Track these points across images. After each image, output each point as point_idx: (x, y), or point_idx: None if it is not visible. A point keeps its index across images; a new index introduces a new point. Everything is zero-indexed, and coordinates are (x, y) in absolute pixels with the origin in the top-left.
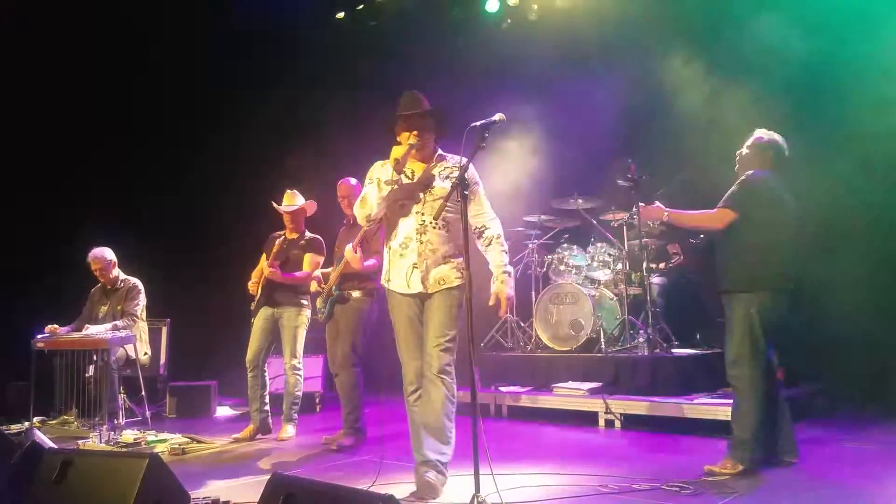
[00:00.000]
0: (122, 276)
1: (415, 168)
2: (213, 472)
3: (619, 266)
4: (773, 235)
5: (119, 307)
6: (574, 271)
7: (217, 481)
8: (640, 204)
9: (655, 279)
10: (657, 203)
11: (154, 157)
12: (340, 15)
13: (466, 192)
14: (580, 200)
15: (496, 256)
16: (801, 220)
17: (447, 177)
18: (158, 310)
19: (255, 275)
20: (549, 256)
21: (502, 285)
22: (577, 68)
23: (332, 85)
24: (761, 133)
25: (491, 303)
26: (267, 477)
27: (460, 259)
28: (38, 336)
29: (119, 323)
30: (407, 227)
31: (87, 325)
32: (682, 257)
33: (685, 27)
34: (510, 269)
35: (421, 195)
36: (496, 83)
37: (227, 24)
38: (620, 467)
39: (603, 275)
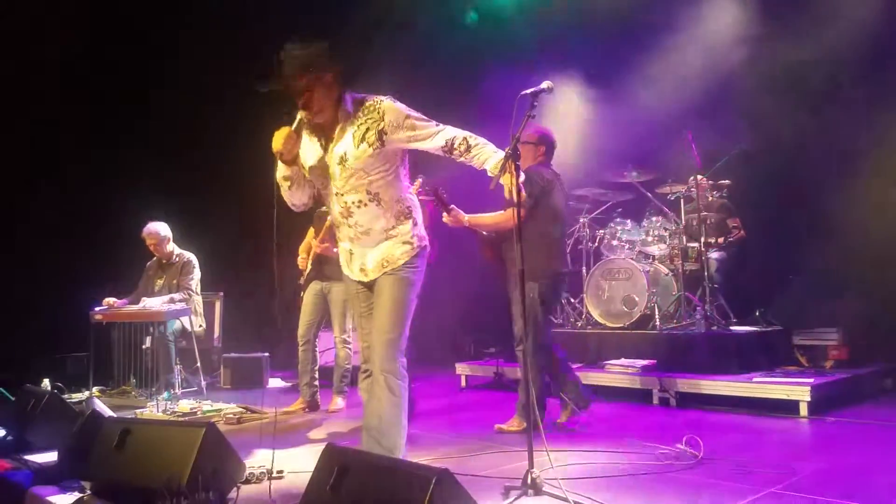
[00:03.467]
0: (177, 250)
1: (324, 137)
2: (266, 442)
3: (676, 241)
4: (549, 228)
5: (174, 281)
6: (627, 246)
7: (270, 451)
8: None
9: (714, 254)
10: (454, 209)
11: (209, 132)
12: None
13: (518, 163)
14: (634, 173)
15: (483, 151)
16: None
17: (363, 137)
18: (212, 283)
19: (302, 250)
20: (601, 231)
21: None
22: (630, 33)
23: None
24: (535, 128)
25: (503, 181)
26: (319, 447)
27: (407, 226)
28: (96, 309)
29: (175, 296)
30: (334, 210)
31: (143, 299)
32: (742, 231)
33: None
34: (493, 158)
35: (336, 170)
36: (546, 50)
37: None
38: (676, 445)
39: (658, 250)
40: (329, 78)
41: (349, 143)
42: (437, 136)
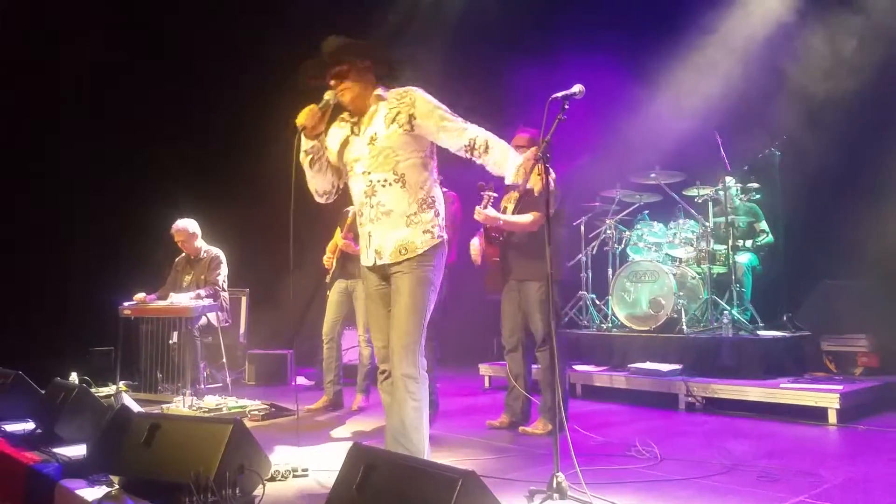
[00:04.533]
0: (206, 246)
1: (355, 121)
2: (291, 439)
3: (703, 243)
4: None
5: (202, 276)
6: (654, 248)
7: (295, 448)
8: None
9: (741, 258)
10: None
11: (236, 130)
12: None
13: (548, 166)
14: (661, 174)
15: (502, 155)
16: None
17: (394, 119)
18: (238, 280)
19: (329, 249)
20: (628, 233)
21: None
22: (661, 33)
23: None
24: (532, 132)
25: (530, 185)
26: (343, 445)
27: (429, 215)
28: (125, 303)
29: (202, 292)
30: (357, 191)
31: (171, 294)
32: (769, 235)
33: None
34: (513, 157)
35: (366, 150)
36: (575, 49)
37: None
38: (706, 452)
39: (685, 252)
40: (365, 65)
41: (380, 124)
42: (462, 132)
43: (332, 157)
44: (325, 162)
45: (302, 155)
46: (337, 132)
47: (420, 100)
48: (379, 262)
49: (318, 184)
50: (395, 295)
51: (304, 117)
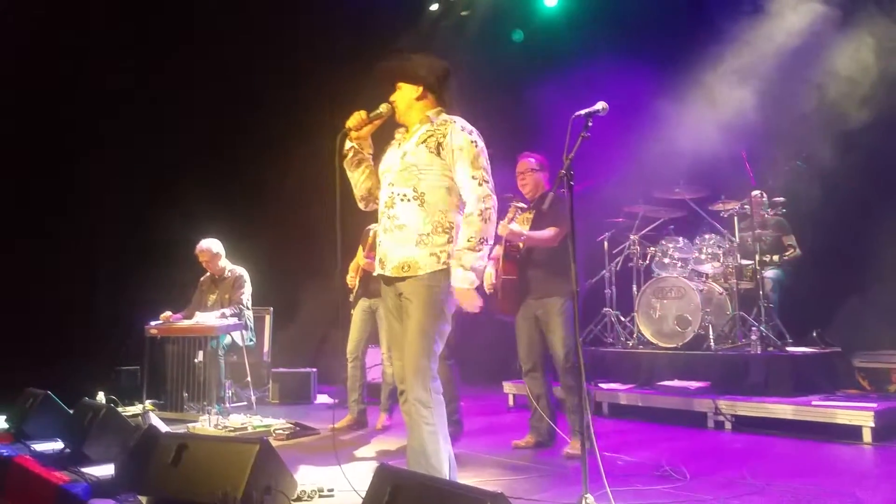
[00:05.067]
0: (230, 266)
1: (401, 136)
2: (316, 459)
3: (730, 259)
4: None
5: (226, 296)
6: (679, 264)
7: (320, 468)
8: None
9: (769, 273)
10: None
11: (260, 152)
12: (434, 7)
13: (572, 183)
14: (686, 189)
15: (462, 234)
16: None
17: (425, 140)
18: (262, 299)
19: (352, 268)
20: (652, 248)
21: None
22: (684, 47)
23: None
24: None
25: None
26: (368, 465)
27: (441, 239)
28: (152, 323)
29: (227, 311)
30: (381, 201)
31: (196, 313)
32: (797, 249)
33: None
34: (471, 256)
35: (398, 163)
36: (597, 64)
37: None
38: (736, 471)
39: (711, 268)
40: (417, 85)
41: (413, 142)
42: (469, 188)
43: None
44: (366, 167)
45: (344, 153)
46: (389, 151)
47: (455, 133)
48: (381, 272)
49: (357, 187)
50: (404, 318)
51: (352, 120)
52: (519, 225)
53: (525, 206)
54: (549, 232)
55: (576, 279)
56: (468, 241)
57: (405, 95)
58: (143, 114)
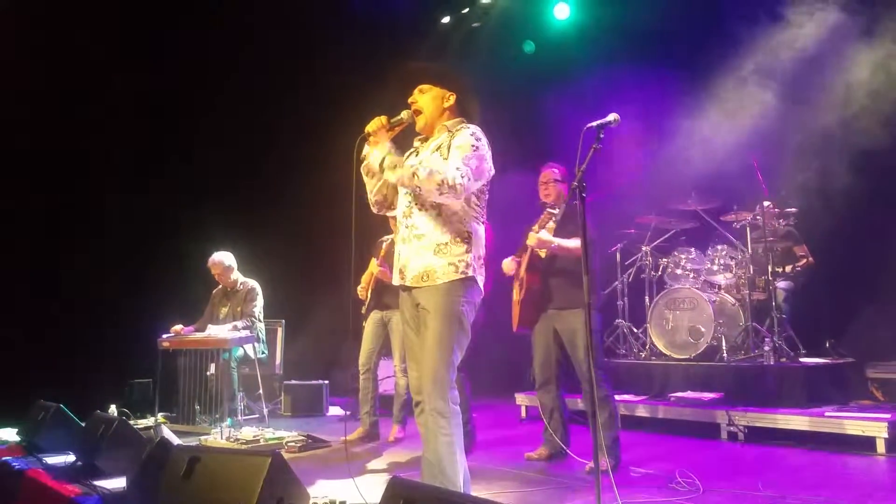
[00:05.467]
0: (242, 278)
1: (420, 145)
2: (328, 471)
3: (742, 270)
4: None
5: (238, 308)
6: (692, 275)
7: (332, 480)
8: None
9: (781, 283)
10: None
11: (273, 163)
12: (445, 20)
13: (584, 195)
14: (698, 200)
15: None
16: None
17: (438, 148)
18: (274, 311)
19: (364, 279)
20: (665, 259)
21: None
22: (695, 58)
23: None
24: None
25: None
26: (380, 477)
27: (460, 249)
28: (164, 336)
29: (239, 323)
30: (398, 210)
31: (209, 326)
32: (809, 259)
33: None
34: (399, 172)
35: None
36: (608, 75)
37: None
38: (750, 483)
39: (724, 279)
40: (437, 95)
41: (429, 151)
42: (450, 169)
43: None
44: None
45: (362, 157)
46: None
47: (461, 134)
48: (401, 282)
49: (372, 193)
50: (422, 328)
51: (371, 125)
52: (548, 234)
53: (557, 211)
54: (577, 241)
55: (591, 289)
56: (413, 169)
57: (434, 102)
58: (155, 126)
